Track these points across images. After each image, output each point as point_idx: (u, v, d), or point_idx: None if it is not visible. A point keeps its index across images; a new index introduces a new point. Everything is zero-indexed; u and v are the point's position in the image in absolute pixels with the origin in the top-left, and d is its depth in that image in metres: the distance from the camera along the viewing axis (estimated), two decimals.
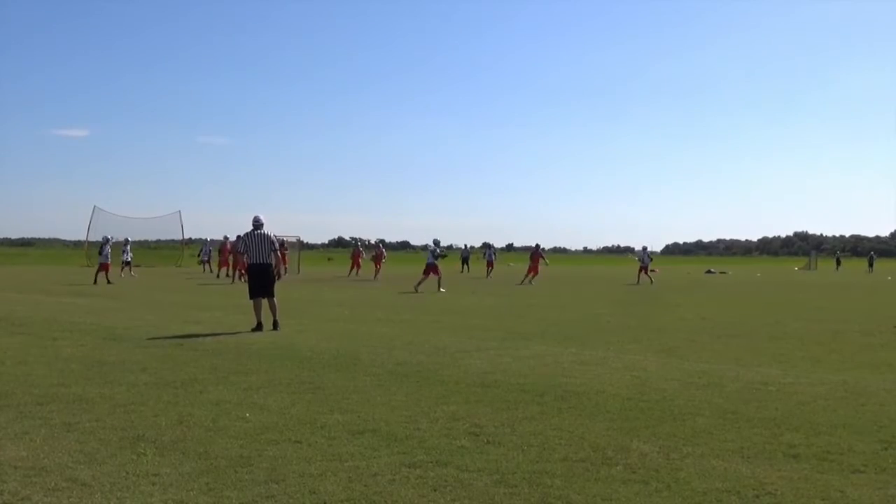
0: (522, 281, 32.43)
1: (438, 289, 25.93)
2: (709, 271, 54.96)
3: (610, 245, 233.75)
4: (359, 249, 40.37)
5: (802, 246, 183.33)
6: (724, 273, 53.52)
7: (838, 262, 70.66)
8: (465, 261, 47.79)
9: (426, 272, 26.87)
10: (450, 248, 47.23)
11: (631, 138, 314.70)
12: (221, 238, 38.09)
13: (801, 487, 4.65)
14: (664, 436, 5.90)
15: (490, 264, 42.14)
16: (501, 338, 12.43)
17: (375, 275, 35.56)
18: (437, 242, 28.45)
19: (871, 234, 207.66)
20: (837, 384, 8.24)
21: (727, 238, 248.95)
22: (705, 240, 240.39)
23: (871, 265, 65.78)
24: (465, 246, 52.22)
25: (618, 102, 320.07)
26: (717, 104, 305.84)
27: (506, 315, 17.62)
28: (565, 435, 5.88)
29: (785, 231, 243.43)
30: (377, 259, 37.15)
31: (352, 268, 38.50)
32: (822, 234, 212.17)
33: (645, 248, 36.55)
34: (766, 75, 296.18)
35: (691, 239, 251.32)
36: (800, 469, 5.05)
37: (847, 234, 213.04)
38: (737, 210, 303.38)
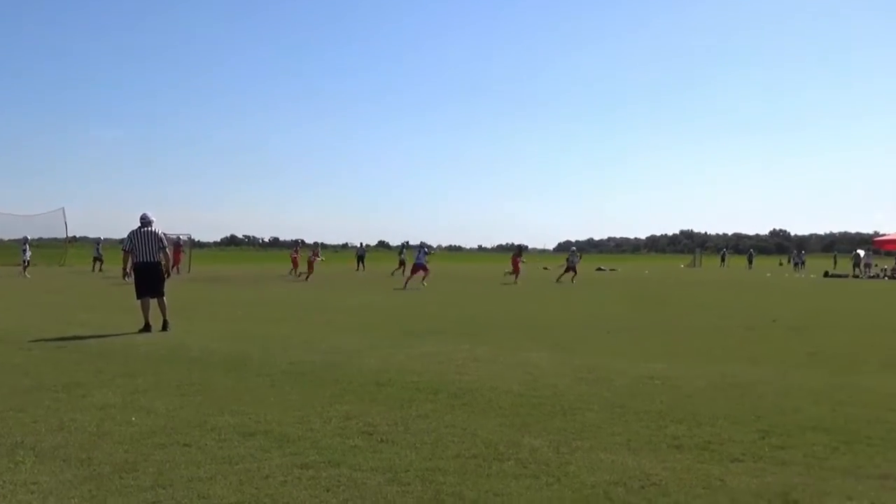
0: (515, 279, 33.12)
1: (409, 280, 28.72)
2: (599, 269, 56.14)
3: (504, 243, 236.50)
4: (297, 250, 40.18)
5: (688, 244, 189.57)
6: (613, 270, 54.81)
7: (723, 259, 73.34)
8: (360, 259, 47.53)
9: (414, 270, 29.06)
10: (345, 246, 46.82)
11: (524, 137, 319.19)
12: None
13: (684, 477, 4.82)
14: (555, 430, 6.02)
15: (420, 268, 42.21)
16: (396, 336, 12.44)
17: (308, 276, 35.08)
18: (423, 244, 30.52)
19: (751, 233, 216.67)
20: (719, 377, 8.57)
21: (617, 236, 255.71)
22: (596, 238, 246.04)
23: (750, 262, 68.54)
24: (361, 244, 51.98)
25: (514, 101, 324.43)
26: (609, 104, 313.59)
27: (401, 313, 17.63)
28: (458, 432, 5.93)
29: (671, 229, 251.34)
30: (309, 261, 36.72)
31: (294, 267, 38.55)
32: (706, 233, 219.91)
33: (573, 250, 37.00)
34: (655, 75, 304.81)
35: (583, 237, 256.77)
36: (683, 460, 5.24)
37: (729, 233, 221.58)
38: (626, 209, 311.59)
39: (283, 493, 4.48)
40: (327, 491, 4.52)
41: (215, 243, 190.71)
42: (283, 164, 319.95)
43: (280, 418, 6.33)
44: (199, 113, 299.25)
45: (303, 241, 44.57)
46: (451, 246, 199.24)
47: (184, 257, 38.77)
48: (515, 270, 33.59)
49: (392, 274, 39.20)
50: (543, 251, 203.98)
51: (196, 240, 53.11)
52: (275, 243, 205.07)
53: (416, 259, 29.38)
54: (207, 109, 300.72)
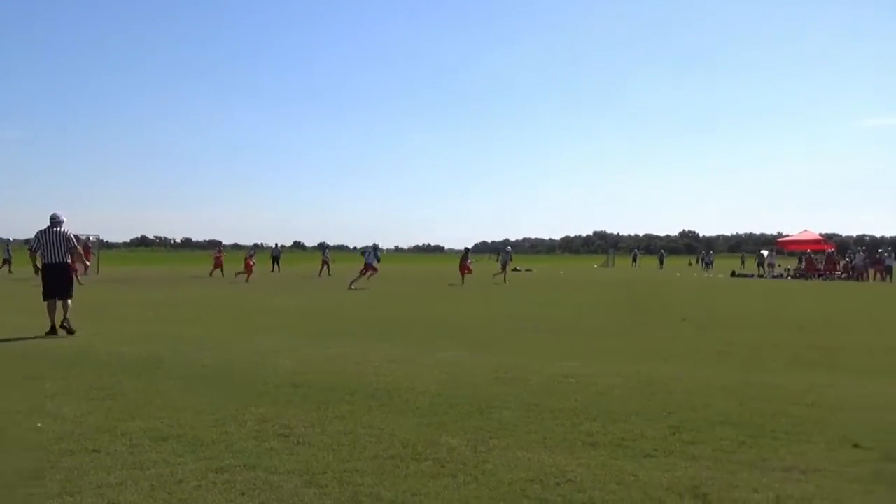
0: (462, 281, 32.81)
1: (356, 280, 28.73)
2: (515, 269, 56.73)
3: (421, 244, 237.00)
4: (219, 250, 39.50)
5: (601, 244, 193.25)
6: (529, 271, 55.38)
7: (634, 259, 74.95)
8: (275, 260, 46.94)
9: (364, 270, 29.54)
10: (256, 246, 46.28)
11: (436, 138, 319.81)
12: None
13: (598, 473, 4.91)
14: (472, 429, 6.05)
15: (370, 268, 41.84)
16: (313, 337, 12.34)
17: (247, 277, 34.44)
18: (376, 246, 31.41)
19: (662, 234, 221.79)
20: (632, 374, 8.74)
21: (532, 237, 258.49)
22: (512, 238, 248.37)
23: (661, 262, 70.25)
24: (276, 245, 51.39)
25: (426, 102, 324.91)
26: (523, 105, 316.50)
27: (318, 314, 17.50)
28: (375, 432, 5.91)
29: (585, 230, 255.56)
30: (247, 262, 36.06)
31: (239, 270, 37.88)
32: (619, 234, 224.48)
33: (507, 249, 37.08)
34: (568, 76, 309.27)
35: (499, 237, 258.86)
36: (597, 456, 5.33)
37: (641, 234, 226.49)
38: (541, 210, 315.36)
39: (197, 497, 4.40)
40: (243, 495, 4.45)
41: (125, 244, 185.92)
42: (194, 163, 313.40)
43: (193, 422, 6.20)
44: (107, 114, 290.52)
45: (221, 242, 43.58)
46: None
47: (93, 258, 37.64)
48: (463, 272, 33.49)
49: (319, 275, 39.02)
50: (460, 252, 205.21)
51: (105, 240, 51.50)
52: (187, 244, 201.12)
53: (366, 259, 30.05)
54: (116, 110, 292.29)
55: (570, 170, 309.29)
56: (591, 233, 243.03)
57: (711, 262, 60.02)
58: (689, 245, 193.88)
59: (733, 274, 49.22)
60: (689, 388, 7.90)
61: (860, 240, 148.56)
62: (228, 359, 9.66)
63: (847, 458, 5.33)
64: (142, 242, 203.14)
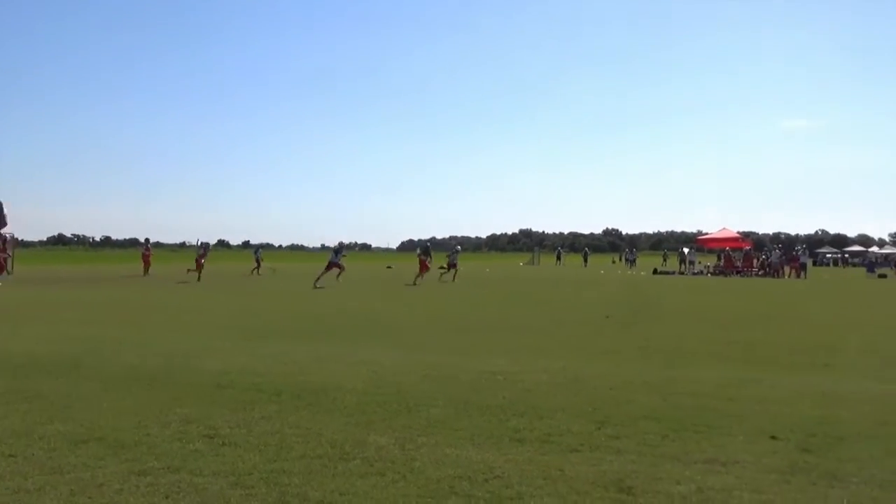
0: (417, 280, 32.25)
1: (319, 278, 28.95)
2: (442, 268, 56.93)
3: (347, 242, 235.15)
4: (148, 248, 38.84)
5: (527, 242, 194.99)
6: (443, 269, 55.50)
7: (559, 257, 75.83)
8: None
9: (328, 268, 30.24)
10: (183, 245, 45.44)
11: (361, 136, 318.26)
12: None
13: (526, 469, 4.96)
14: (400, 428, 6.05)
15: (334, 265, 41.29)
16: (238, 337, 12.17)
17: (198, 276, 33.75)
18: (342, 244, 32.31)
19: (586, 232, 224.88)
20: (558, 371, 8.86)
21: (459, 235, 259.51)
22: (439, 237, 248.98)
23: (585, 260, 71.26)
24: (199, 242, 50.52)
25: (351, 99, 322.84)
26: (447, 103, 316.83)
27: (244, 313, 17.26)
28: (302, 432, 5.86)
29: (511, 228, 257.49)
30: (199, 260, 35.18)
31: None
32: (544, 232, 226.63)
33: (457, 248, 37.04)
34: (489, 75, 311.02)
35: (425, 235, 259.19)
36: (524, 452, 5.38)
37: (566, 232, 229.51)
38: (467, 208, 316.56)
39: (119, 501, 4.30)
40: (166, 498, 4.37)
41: (41, 242, 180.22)
42: (113, 159, 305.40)
43: (115, 424, 6.05)
44: (14, 108, 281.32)
45: (148, 240, 42.50)
46: (292, 245, 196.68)
47: (9, 258, 36.42)
48: (422, 270, 33.22)
49: (252, 274, 38.58)
50: (388, 250, 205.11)
51: (20, 238, 49.84)
52: (107, 242, 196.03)
53: (331, 258, 30.79)
54: (24, 105, 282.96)
55: (496, 168, 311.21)
56: (516, 231, 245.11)
57: (635, 260, 61.20)
58: (612, 243, 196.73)
59: (655, 271, 50.19)
60: (614, 384, 8.04)
61: (776, 238, 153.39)
62: (151, 359, 9.45)
63: (765, 450, 5.49)
64: (59, 241, 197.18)
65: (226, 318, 16.12)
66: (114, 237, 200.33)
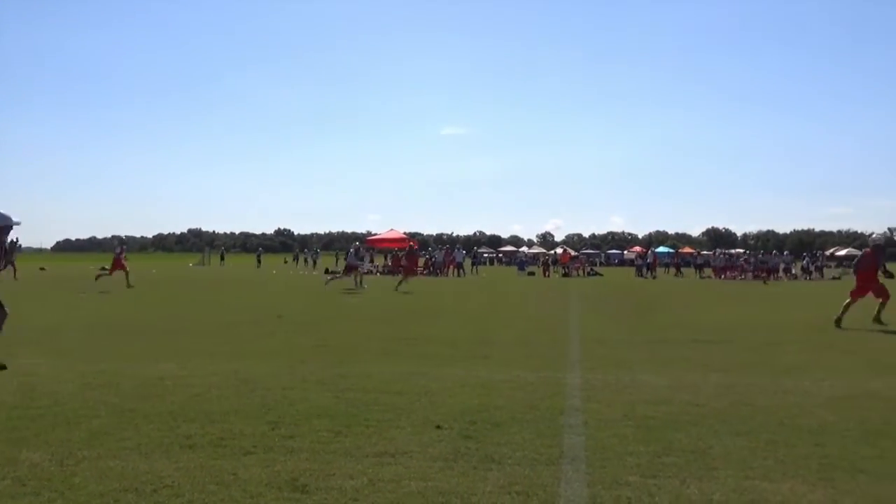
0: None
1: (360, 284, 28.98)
2: (103, 268, 53.42)
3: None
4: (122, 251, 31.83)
5: (196, 242, 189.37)
6: (105, 270, 52.38)
7: (222, 258, 75.47)
8: None
9: (348, 270, 29.93)
10: (123, 242, 39.00)
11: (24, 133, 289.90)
12: None
13: (197, 475, 4.82)
14: (57, 442, 5.61)
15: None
16: None
17: (126, 277, 29.13)
18: (358, 246, 32.70)
19: (258, 232, 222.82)
20: (229, 373, 8.70)
21: (123, 234, 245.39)
22: (99, 236, 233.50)
23: (259, 261, 70.70)
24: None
25: (88, 97, 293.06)
26: (97, 99, 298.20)
27: None
28: None
29: (180, 228, 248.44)
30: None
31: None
32: (214, 231, 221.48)
33: (357, 245, 34.32)
34: (150, 70, 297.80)
35: (84, 235, 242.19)
36: (196, 458, 5.23)
37: (237, 232, 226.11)
38: (134, 206, 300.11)
39: None
40: None
41: None
42: None
43: None
44: None
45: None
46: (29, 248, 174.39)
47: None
48: (114, 268, 30.27)
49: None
50: (41, 250, 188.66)
51: None
52: None
53: (349, 259, 30.58)
54: None
55: (166, 164, 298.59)
56: (185, 230, 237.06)
57: (317, 260, 62.57)
58: (284, 243, 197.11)
59: (327, 271, 51.08)
60: (287, 384, 8.05)
61: (439, 238, 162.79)
62: None
63: (431, 439, 5.82)
64: None
65: None
66: None
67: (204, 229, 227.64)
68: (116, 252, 31.66)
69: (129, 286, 28.17)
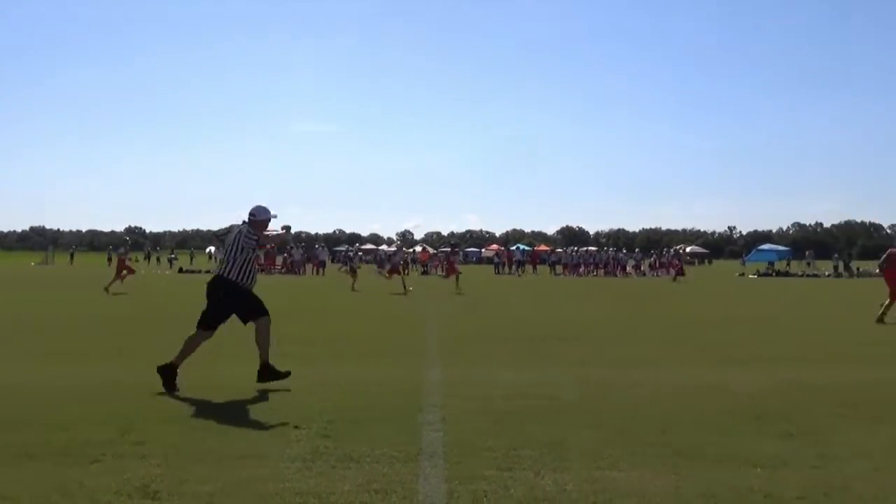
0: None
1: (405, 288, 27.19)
2: None
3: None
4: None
5: (40, 241, 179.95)
6: None
7: (72, 257, 72.86)
8: None
9: (391, 272, 29.73)
10: (127, 243, 35.43)
11: None
12: None
13: (40, 486, 4.59)
14: None
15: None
16: None
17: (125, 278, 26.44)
18: (400, 246, 31.29)
19: (107, 229, 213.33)
20: (75, 379, 8.36)
21: None
22: None
23: (109, 260, 68.00)
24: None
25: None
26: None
27: None
28: None
29: (21, 226, 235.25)
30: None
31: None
32: (59, 229, 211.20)
33: (321, 247, 32.03)
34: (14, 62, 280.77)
35: None
36: (39, 469, 4.98)
37: (84, 229, 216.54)
38: None
39: None
40: None
41: None
42: None
43: None
44: None
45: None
46: None
47: None
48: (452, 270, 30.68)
49: None
50: None
51: None
52: None
53: (393, 259, 30.73)
54: None
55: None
56: (27, 228, 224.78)
57: (177, 257, 61.22)
58: (136, 241, 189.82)
59: (181, 270, 49.79)
60: (141, 387, 7.78)
61: (297, 236, 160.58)
62: None
63: (288, 440, 5.78)
64: None
65: None
66: None
67: (48, 227, 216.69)
68: (120, 253, 29.75)
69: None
